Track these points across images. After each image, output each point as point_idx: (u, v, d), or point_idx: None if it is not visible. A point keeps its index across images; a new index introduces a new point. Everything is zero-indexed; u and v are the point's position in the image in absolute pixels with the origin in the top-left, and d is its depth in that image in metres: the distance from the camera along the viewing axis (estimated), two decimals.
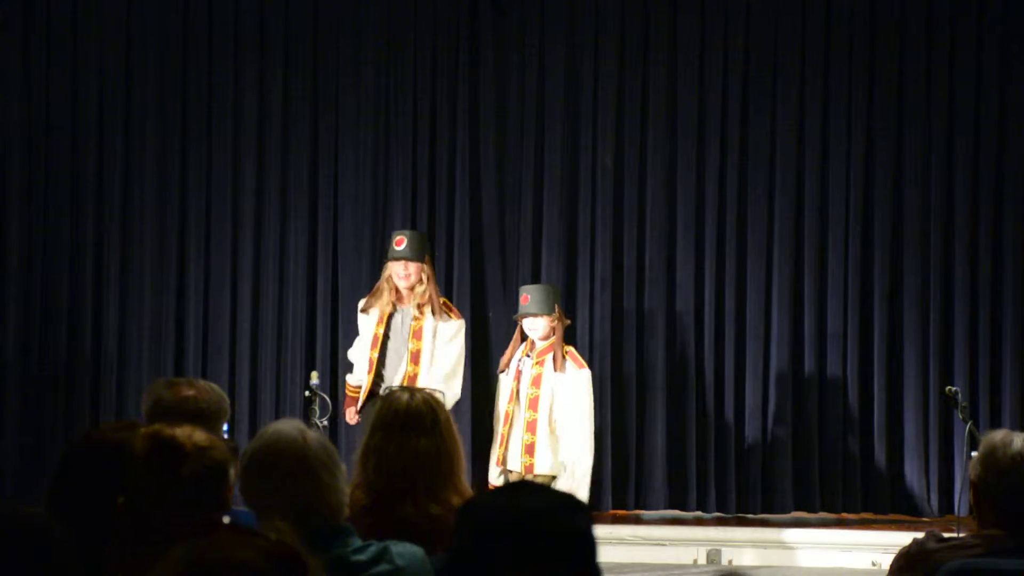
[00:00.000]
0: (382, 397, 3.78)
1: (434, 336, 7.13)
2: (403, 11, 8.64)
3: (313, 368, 7.65)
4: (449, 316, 7.22)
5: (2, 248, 8.56)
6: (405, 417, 3.60)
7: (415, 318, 7.12)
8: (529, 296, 7.09)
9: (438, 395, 3.84)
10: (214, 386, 3.80)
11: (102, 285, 8.56)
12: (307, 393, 6.82)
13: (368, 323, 7.24)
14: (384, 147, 8.64)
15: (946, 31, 8.50)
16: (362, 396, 7.20)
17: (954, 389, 7.04)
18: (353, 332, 7.54)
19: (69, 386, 8.49)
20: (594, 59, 8.62)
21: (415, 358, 7.10)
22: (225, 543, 1.83)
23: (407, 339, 7.13)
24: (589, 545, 2.03)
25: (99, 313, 8.55)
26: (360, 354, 7.30)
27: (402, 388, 3.77)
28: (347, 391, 7.41)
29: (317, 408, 6.71)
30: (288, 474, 2.89)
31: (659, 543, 7.86)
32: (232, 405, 8.23)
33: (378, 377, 7.18)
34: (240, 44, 8.66)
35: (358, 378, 7.29)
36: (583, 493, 6.95)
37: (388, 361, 7.18)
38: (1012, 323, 8.40)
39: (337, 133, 8.67)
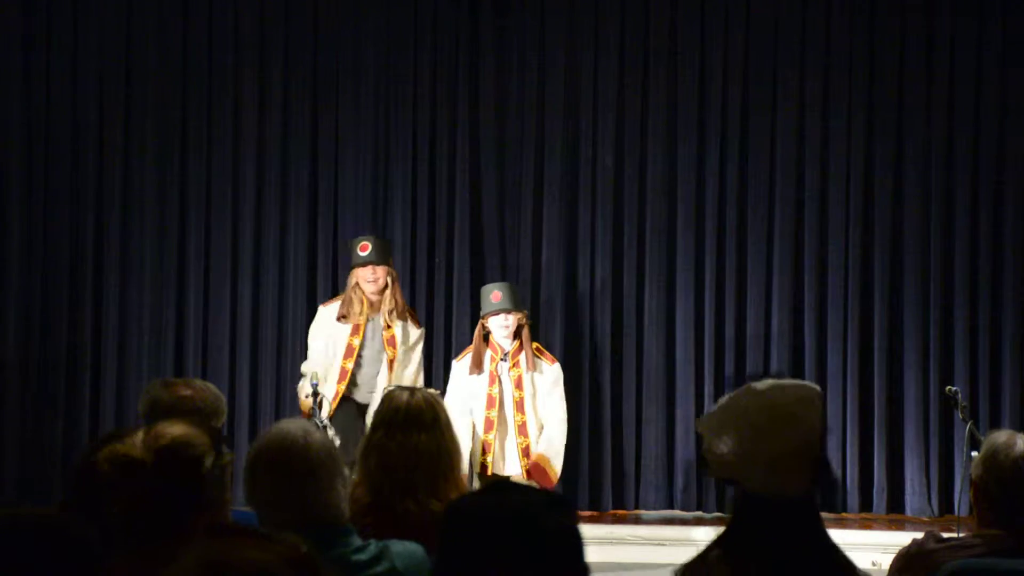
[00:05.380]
0: (384, 396, 3.80)
1: (404, 341, 7.13)
2: (403, 11, 8.64)
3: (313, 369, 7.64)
4: (412, 324, 7.25)
5: (2, 248, 8.56)
6: (406, 415, 3.62)
7: (386, 327, 7.13)
8: (500, 293, 7.06)
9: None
10: (211, 386, 3.81)
11: (102, 285, 8.56)
12: (307, 393, 6.82)
13: (340, 332, 7.16)
14: (384, 147, 8.64)
15: (946, 31, 8.50)
16: (333, 403, 7.10)
17: (954, 389, 7.03)
18: None
19: (69, 386, 8.49)
20: (594, 59, 8.62)
21: (392, 366, 7.12)
22: (241, 545, 1.83)
23: (381, 348, 7.13)
24: (576, 543, 2.03)
25: (99, 313, 8.54)
26: (317, 364, 7.11)
27: (401, 387, 3.78)
28: (306, 408, 7.01)
29: (318, 408, 6.71)
30: (290, 474, 2.88)
31: (659, 543, 7.85)
32: (232, 405, 8.26)
33: (352, 385, 7.16)
34: (240, 44, 8.66)
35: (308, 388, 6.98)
36: (557, 464, 7.01)
37: (361, 370, 7.16)
38: (1012, 323, 8.40)
39: (337, 133, 8.67)
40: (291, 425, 2.98)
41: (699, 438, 2.62)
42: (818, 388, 2.66)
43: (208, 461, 2.58)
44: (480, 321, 7.10)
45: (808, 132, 8.55)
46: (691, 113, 8.58)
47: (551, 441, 7.00)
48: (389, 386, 6.78)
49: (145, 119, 8.62)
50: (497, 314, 6.98)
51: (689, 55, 8.59)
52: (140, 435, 2.60)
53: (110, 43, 8.60)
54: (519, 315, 7.01)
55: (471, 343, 7.34)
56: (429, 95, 8.63)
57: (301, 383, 7.15)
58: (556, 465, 7.00)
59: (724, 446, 2.58)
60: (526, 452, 6.95)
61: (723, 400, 2.64)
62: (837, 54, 8.54)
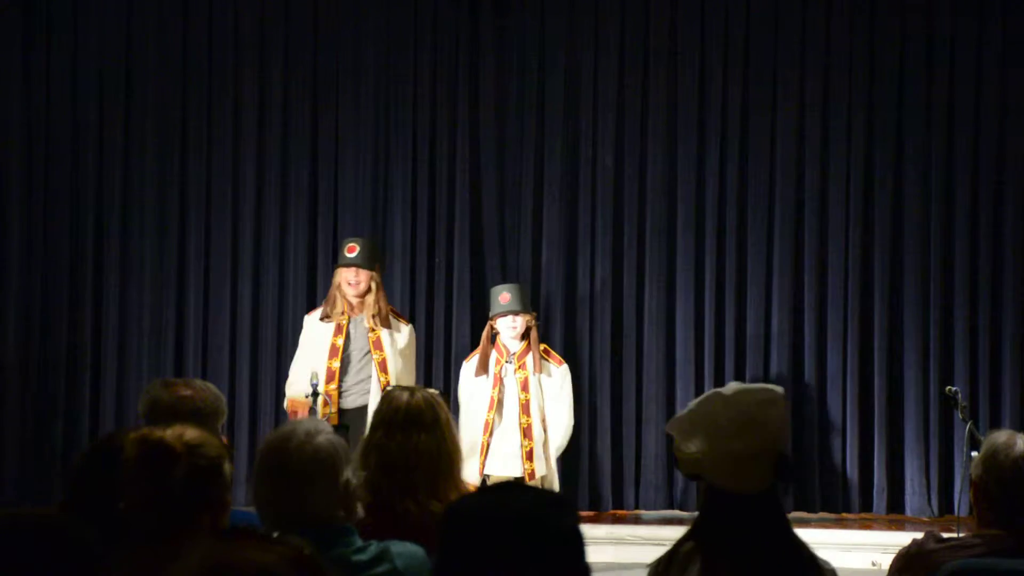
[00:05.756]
0: (383, 396, 3.79)
1: (392, 343, 7.08)
2: (403, 11, 8.64)
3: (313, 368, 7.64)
4: (399, 323, 7.19)
5: (2, 248, 8.56)
6: (406, 415, 3.62)
7: (371, 329, 7.06)
8: (509, 295, 7.06)
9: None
10: (211, 386, 3.80)
11: (102, 284, 8.56)
12: (307, 393, 6.81)
13: (323, 333, 7.10)
14: (384, 147, 8.64)
15: (946, 31, 8.50)
16: (326, 408, 7.02)
17: (954, 389, 7.03)
18: None
19: (69, 386, 8.49)
20: (594, 59, 8.62)
21: (383, 367, 7.02)
22: (246, 547, 1.83)
23: (368, 350, 7.06)
24: (577, 544, 2.03)
25: (99, 313, 8.55)
26: (305, 367, 7.01)
27: (401, 387, 3.78)
28: (291, 406, 7.02)
29: (318, 408, 6.71)
30: (291, 474, 2.88)
31: (659, 543, 7.82)
32: (232, 405, 8.24)
33: (341, 389, 7.07)
34: (240, 44, 8.67)
35: (299, 391, 6.91)
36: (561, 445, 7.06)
37: (349, 369, 7.07)
38: (1012, 323, 8.40)
39: (337, 133, 8.67)
40: (298, 425, 2.97)
41: (670, 438, 2.86)
42: (781, 390, 2.84)
43: (225, 466, 2.62)
44: (488, 322, 7.10)
45: (808, 132, 8.55)
46: (691, 113, 8.58)
47: (548, 443, 7.01)
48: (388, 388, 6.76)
49: (145, 119, 8.62)
50: (505, 315, 6.99)
51: (689, 55, 8.59)
52: (159, 431, 2.63)
53: (110, 43, 8.61)
54: (527, 317, 7.02)
55: (472, 343, 7.33)
56: (429, 95, 8.64)
57: (291, 383, 7.11)
58: (544, 464, 7.00)
59: (693, 446, 2.79)
60: (530, 455, 6.94)
61: (691, 405, 2.83)
62: (837, 54, 8.54)
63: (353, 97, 8.65)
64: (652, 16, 8.62)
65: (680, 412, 2.88)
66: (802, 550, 2.77)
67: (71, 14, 8.62)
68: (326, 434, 2.96)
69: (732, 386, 2.84)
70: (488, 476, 6.92)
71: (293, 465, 2.88)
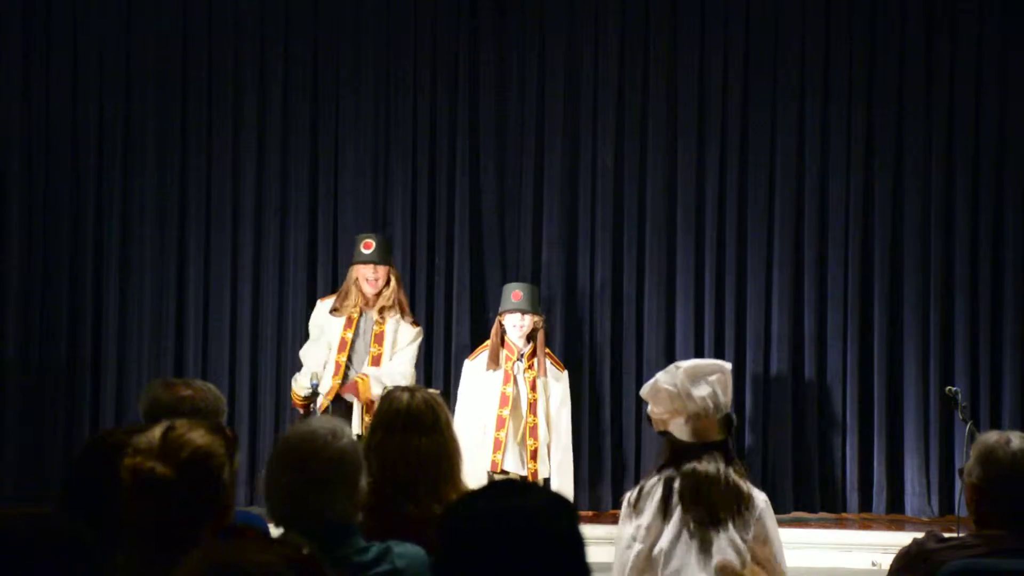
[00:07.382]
0: (383, 397, 3.78)
1: (395, 337, 7.09)
2: (403, 10, 8.65)
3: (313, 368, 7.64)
4: (409, 324, 7.21)
5: (2, 248, 8.55)
6: (406, 417, 3.61)
7: (377, 323, 7.10)
8: (521, 293, 7.09)
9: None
10: (211, 386, 3.79)
11: (102, 285, 8.56)
12: (307, 393, 6.82)
13: (334, 324, 7.15)
14: (384, 147, 8.64)
15: (946, 31, 8.50)
16: (329, 396, 7.08)
17: (954, 389, 7.04)
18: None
19: (69, 386, 8.49)
20: (594, 58, 8.62)
21: (376, 361, 7.06)
22: (245, 547, 1.83)
23: (369, 343, 7.11)
24: (577, 545, 2.03)
25: (99, 313, 8.54)
26: (315, 357, 7.13)
27: (401, 388, 3.77)
28: (295, 399, 7.06)
29: (316, 409, 6.71)
30: (311, 473, 2.87)
31: None
32: (232, 405, 8.24)
33: (345, 380, 7.11)
34: (240, 43, 8.67)
35: (303, 385, 6.97)
36: (569, 492, 7.08)
37: (353, 364, 7.12)
38: (1012, 323, 8.40)
39: (337, 133, 8.67)
40: (318, 424, 2.96)
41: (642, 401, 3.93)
42: (728, 365, 3.87)
43: (226, 473, 2.58)
44: (497, 318, 7.13)
45: (808, 132, 8.56)
46: (691, 113, 8.58)
47: (561, 467, 7.05)
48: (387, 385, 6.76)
49: (145, 119, 8.62)
50: (514, 312, 7.01)
51: (689, 55, 8.59)
52: (159, 441, 2.57)
53: (110, 44, 8.60)
54: (536, 318, 7.04)
55: (471, 342, 7.31)
56: (429, 95, 8.63)
57: (299, 375, 7.13)
58: (547, 466, 7.04)
59: (658, 408, 3.84)
60: (533, 455, 6.96)
61: (658, 375, 3.85)
62: (837, 53, 8.54)
63: (353, 96, 8.64)
64: (652, 16, 8.62)
65: (649, 381, 3.86)
66: (740, 484, 3.73)
67: (71, 15, 8.62)
68: (348, 437, 2.96)
69: (688, 361, 3.84)
70: (493, 474, 6.93)
71: (319, 467, 2.87)
